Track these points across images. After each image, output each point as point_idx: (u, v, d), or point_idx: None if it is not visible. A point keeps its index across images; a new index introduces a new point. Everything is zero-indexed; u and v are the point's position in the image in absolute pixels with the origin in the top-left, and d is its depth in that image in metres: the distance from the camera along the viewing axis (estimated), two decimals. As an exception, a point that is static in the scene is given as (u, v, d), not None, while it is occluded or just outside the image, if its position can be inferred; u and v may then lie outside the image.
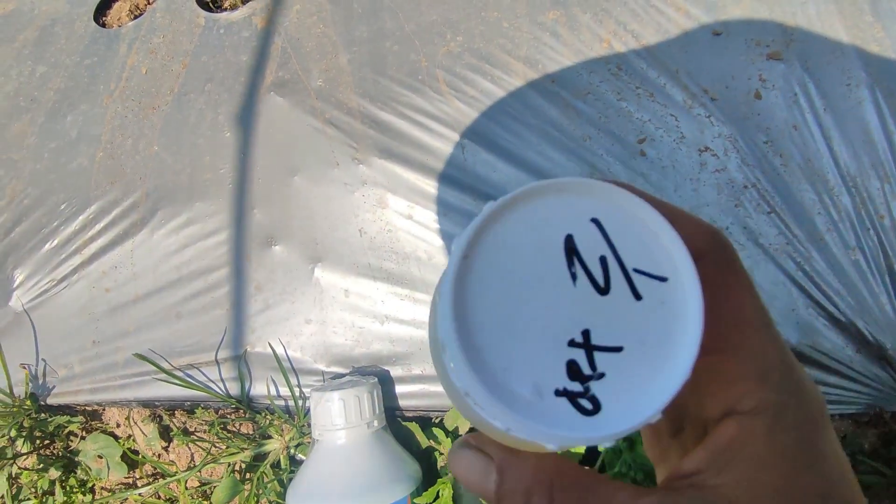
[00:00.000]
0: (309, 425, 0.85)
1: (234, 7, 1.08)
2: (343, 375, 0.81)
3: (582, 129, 0.83)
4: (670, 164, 0.80)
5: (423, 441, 0.80)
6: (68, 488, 0.93)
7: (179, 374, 0.85)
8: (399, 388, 0.80)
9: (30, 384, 0.89)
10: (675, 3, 0.88)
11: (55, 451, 0.93)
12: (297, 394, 0.82)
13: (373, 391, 0.75)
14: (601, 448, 0.66)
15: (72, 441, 0.92)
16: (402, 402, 0.81)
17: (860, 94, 0.78)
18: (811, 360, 0.75)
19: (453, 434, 0.80)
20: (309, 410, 0.77)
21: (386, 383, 0.80)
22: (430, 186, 0.83)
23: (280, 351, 0.82)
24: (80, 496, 0.92)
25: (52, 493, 0.91)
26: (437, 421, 0.83)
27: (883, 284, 0.74)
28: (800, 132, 0.79)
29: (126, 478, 0.93)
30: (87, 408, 0.91)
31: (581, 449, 0.67)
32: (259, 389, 0.83)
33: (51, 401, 0.89)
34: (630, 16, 0.89)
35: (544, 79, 0.87)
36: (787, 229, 0.77)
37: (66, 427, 0.90)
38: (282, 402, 0.83)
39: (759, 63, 0.82)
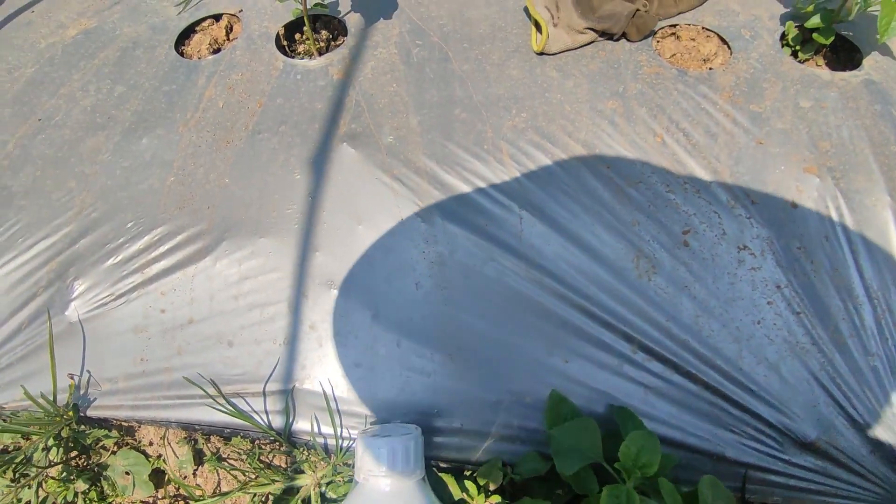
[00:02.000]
0: (345, 465, 0.88)
1: (308, 54, 1.15)
2: (387, 421, 0.84)
3: (632, 215, 0.90)
4: (710, 257, 0.87)
5: (457, 492, 0.83)
6: (88, 501, 0.93)
7: (223, 400, 0.87)
8: (438, 439, 0.84)
9: (73, 394, 0.90)
10: (724, 109, 0.97)
11: (82, 463, 0.94)
12: (339, 433, 0.84)
13: (418, 441, 0.78)
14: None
15: (102, 454, 0.93)
16: (440, 453, 0.84)
17: (885, 216, 0.87)
18: (828, 456, 0.81)
19: (485, 489, 0.83)
20: (353, 451, 0.80)
21: (425, 432, 0.84)
22: (487, 250, 0.88)
23: (328, 390, 0.85)
24: (100, 511, 0.93)
25: (75, 505, 0.92)
26: (468, 474, 0.86)
27: (898, 393, 0.80)
28: (830, 243, 0.87)
29: (150, 497, 0.94)
30: (123, 423, 0.93)
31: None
32: (301, 425, 0.86)
33: (90, 413, 0.90)
34: (682, 115, 0.97)
35: (599, 162, 0.94)
36: (813, 330, 0.83)
37: (101, 440, 0.91)
38: (321, 440, 0.86)
39: (797, 175, 0.91)
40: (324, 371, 0.86)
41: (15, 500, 0.89)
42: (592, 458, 0.74)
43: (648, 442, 0.73)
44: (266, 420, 0.87)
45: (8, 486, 0.88)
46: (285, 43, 1.18)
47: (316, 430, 0.86)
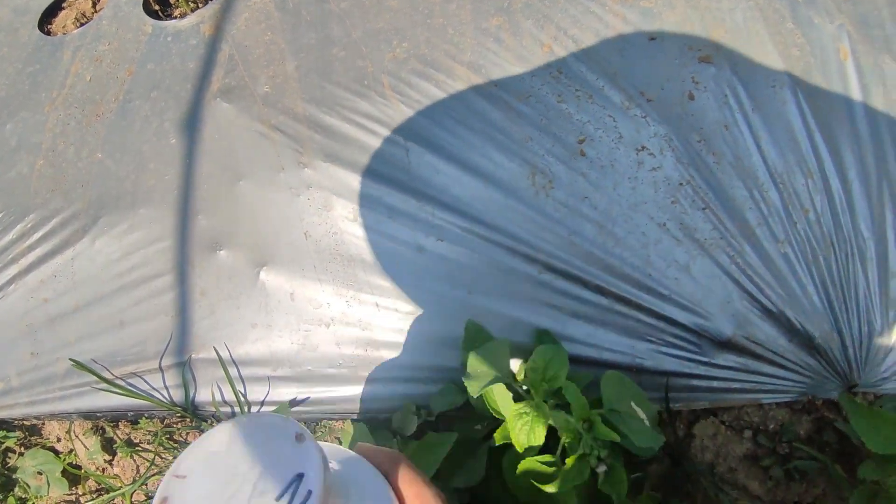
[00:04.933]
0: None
1: (183, 15, 1.08)
2: (290, 378, 0.80)
3: (524, 131, 0.85)
4: (609, 164, 0.83)
5: (372, 442, 0.79)
6: (7, 508, 0.89)
7: (122, 382, 0.83)
8: (346, 391, 0.80)
9: (-36, 399, 0.85)
10: (613, 9, 0.91)
11: (-8, 469, 0.90)
12: (243, 399, 0.80)
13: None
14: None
15: (9, 458, 0.89)
16: (350, 405, 0.80)
17: (784, 96, 0.82)
18: (747, 351, 0.77)
19: (400, 435, 0.79)
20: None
21: (330, 382, 0.80)
22: (376, 189, 0.83)
23: (225, 355, 0.81)
24: (18, 515, 0.89)
25: (-11, 514, 0.88)
26: (383, 422, 0.83)
27: (810, 276, 0.77)
28: (730, 131, 0.82)
29: (68, 494, 0.90)
30: (25, 422, 0.88)
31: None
32: (204, 396, 0.82)
33: (-14, 416, 0.86)
34: (570, 22, 0.92)
35: (487, 83, 0.89)
36: (720, 224, 0.79)
37: (3, 443, 0.87)
38: (228, 409, 0.82)
39: (692, 66, 0.86)
40: (219, 336, 0.82)
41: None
42: (502, 379, 0.70)
43: (556, 354, 0.69)
44: (168, 396, 0.83)
45: None
46: (158, 8, 1.10)
47: (220, 399, 0.82)
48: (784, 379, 0.78)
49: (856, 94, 0.82)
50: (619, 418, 0.58)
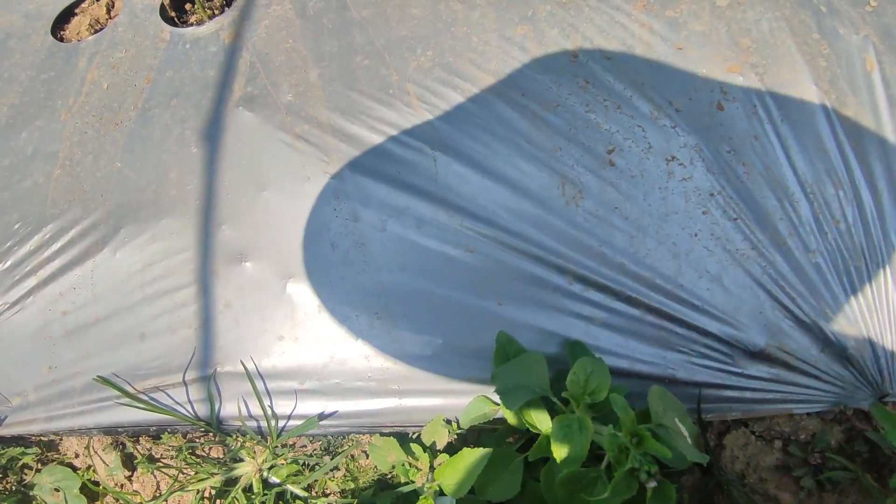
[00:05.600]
0: (283, 446, 0.82)
1: (200, 22, 1.06)
2: (319, 392, 0.79)
3: (552, 141, 0.84)
4: (639, 174, 0.82)
5: (401, 456, 0.78)
6: (22, 526, 0.87)
7: (144, 397, 0.81)
8: (375, 404, 0.79)
9: (-21, 415, 0.83)
10: (638, 19, 0.91)
11: (8, 486, 0.87)
12: (270, 413, 0.79)
13: None
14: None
15: (26, 475, 0.87)
16: (379, 419, 0.79)
17: (812, 106, 0.82)
18: (779, 361, 0.77)
19: (431, 448, 0.78)
20: (282, 430, 0.75)
21: (359, 395, 0.79)
22: (403, 199, 0.82)
23: (251, 368, 0.79)
24: (34, 534, 0.87)
25: (4, 532, 0.85)
26: (413, 436, 0.81)
27: (841, 286, 0.77)
28: (760, 142, 0.82)
29: (86, 511, 0.88)
30: (42, 438, 0.86)
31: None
32: (229, 410, 0.80)
33: (2, 432, 0.84)
34: (596, 31, 0.91)
35: (514, 92, 0.88)
36: (752, 235, 0.79)
37: (20, 459, 0.84)
38: (254, 423, 0.80)
39: (720, 76, 0.86)
40: (244, 349, 0.80)
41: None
42: (539, 392, 0.69)
43: (597, 367, 0.69)
44: (192, 411, 0.81)
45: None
46: (174, 14, 1.09)
47: (246, 413, 0.80)
48: (816, 389, 0.77)
49: (882, 103, 0.83)
50: (666, 433, 0.58)
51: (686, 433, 0.63)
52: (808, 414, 0.79)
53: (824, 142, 0.81)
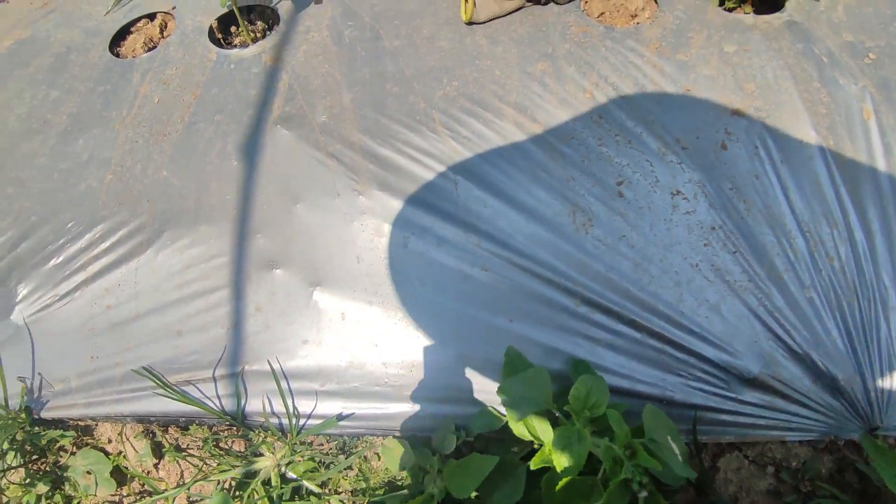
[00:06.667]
0: (302, 444, 0.88)
1: (244, 45, 1.15)
2: (338, 394, 0.85)
3: (566, 171, 0.91)
4: (646, 205, 0.88)
5: (412, 460, 0.83)
6: (53, 505, 0.93)
7: (177, 389, 0.87)
8: (390, 408, 0.84)
9: (25, 397, 0.90)
10: (651, 60, 0.98)
11: (44, 466, 0.94)
12: (292, 411, 0.85)
13: None
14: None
15: (62, 456, 0.93)
16: (393, 422, 0.85)
17: (811, 150, 0.88)
18: (772, 389, 0.82)
19: (440, 454, 0.83)
20: (302, 428, 0.80)
21: (375, 399, 0.84)
22: (425, 219, 0.89)
23: (277, 368, 0.85)
24: (64, 512, 0.93)
25: (38, 509, 0.92)
26: (424, 441, 0.86)
27: (834, 321, 0.81)
28: (760, 181, 0.88)
29: (113, 495, 0.94)
30: (80, 423, 0.93)
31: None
32: (254, 406, 0.86)
33: (45, 415, 0.90)
34: (611, 70, 0.98)
35: (532, 124, 0.95)
36: (749, 268, 0.84)
37: (58, 441, 0.91)
38: (275, 420, 0.86)
39: (725, 118, 0.92)
40: (272, 350, 0.87)
41: (-26, 508, 0.89)
42: (543, 405, 0.74)
43: (597, 384, 0.73)
44: (219, 405, 0.87)
45: (-35, 493, 0.88)
46: (220, 36, 1.18)
47: (269, 410, 0.86)
48: (807, 418, 0.82)
49: (878, 151, 0.88)
50: (658, 448, 0.63)
51: (677, 451, 0.68)
52: (799, 442, 0.83)
53: (821, 184, 0.86)
